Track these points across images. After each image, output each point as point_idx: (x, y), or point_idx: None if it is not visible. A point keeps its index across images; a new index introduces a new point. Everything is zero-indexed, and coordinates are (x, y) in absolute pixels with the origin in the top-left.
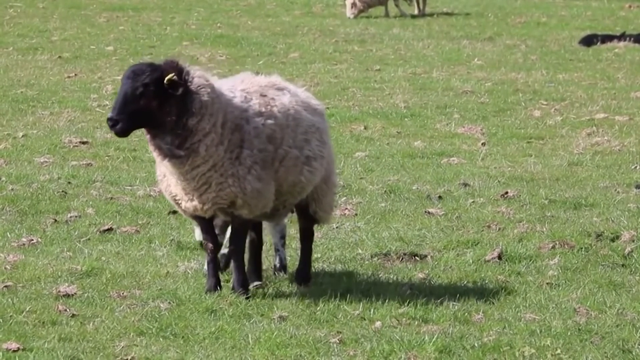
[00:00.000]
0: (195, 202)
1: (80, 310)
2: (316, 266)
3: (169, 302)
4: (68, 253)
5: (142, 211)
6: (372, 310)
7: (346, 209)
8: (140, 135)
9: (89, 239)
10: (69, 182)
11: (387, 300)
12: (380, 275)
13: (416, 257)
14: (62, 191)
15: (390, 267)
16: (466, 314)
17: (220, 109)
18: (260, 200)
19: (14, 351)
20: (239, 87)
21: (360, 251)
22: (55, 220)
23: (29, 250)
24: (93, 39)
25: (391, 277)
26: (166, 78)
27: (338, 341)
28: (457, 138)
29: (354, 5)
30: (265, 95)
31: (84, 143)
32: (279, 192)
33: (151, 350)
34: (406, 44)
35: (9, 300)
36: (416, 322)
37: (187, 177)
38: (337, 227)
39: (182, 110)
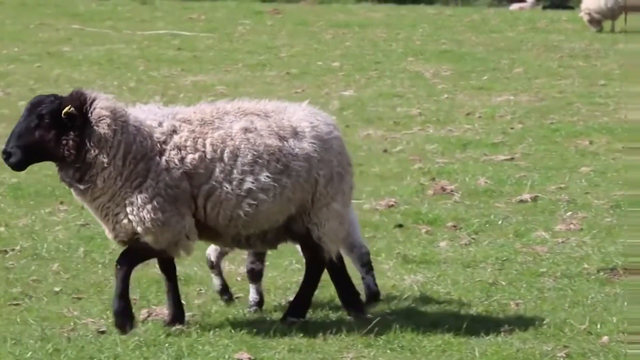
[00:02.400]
0: (107, 232)
1: (307, 322)
2: (541, 280)
3: (396, 315)
4: (297, 265)
5: (368, 224)
6: (598, 325)
7: (571, 223)
8: (367, 150)
9: None
10: None
11: (614, 315)
12: (606, 290)
13: None
14: None
15: (617, 281)
16: None
17: (123, 141)
18: (166, 231)
19: None
20: (177, 116)
21: (586, 266)
22: None
23: None
24: (320, 55)
25: (618, 291)
26: (63, 111)
27: (565, 355)
28: None
29: (591, 20)
30: (204, 124)
31: None
32: (220, 226)
33: None
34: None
35: (240, 311)
36: None
37: (91, 207)
38: (562, 242)
39: (80, 143)
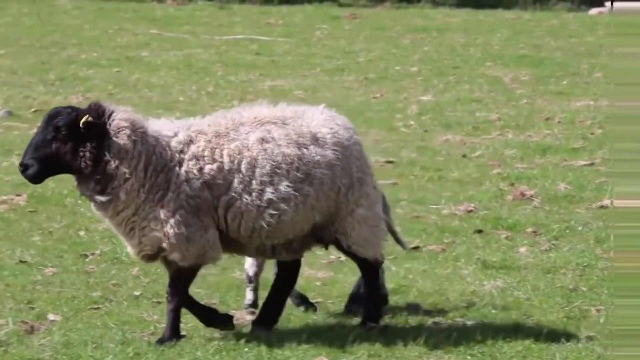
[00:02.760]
0: (130, 248)
1: (387, 327)
2: None
3: (475, 321)
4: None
5: (447, 230)
6: None
7: None
8: (446, 155)
9: (395, 257)
10: None
11: None
12: None
13: None
14: None
15: None
16: None
17: (144, 152)
18: (191, 246)
19: None
20: (191, 128)
21: None
22: None
23: (337, 267)
24: (398, 59)
25: None
26: (82, 120)
27: None
28: None
29: None
30: (219, 136)
31: (389, 162)
32: (243, 238)
33: None
34: None
35: (319, 316)
36: None
37: (114, 222)
38: None
39: (98, 155)
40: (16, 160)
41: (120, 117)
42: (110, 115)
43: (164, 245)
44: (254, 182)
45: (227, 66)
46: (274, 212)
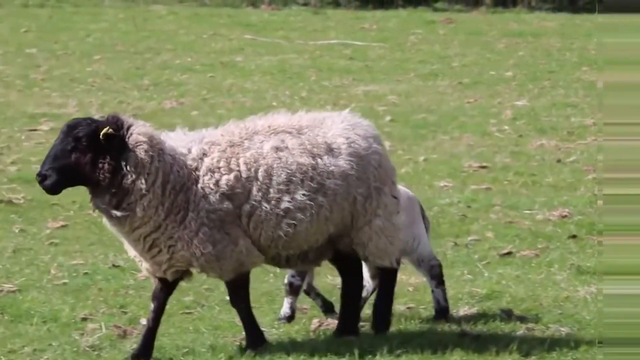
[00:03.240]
0: (150, 265)
1: (479, 335)
2: None
3: (570, 327)
4: (468, 276)
5: (541, 235)
6: None
7: None
8: (540, 160)
9: (488, 262)
10: (469, 206)
11: None
12: None
13: None
14: (462, 215)
15: None
16: None
17: (161, 169)
18: (224, 263)
19: None
20: (204, 140)
21: None
22: (456, 244)
23: None
24: (492, 64)
25: None
26: (102, 132)
27: None
28: None
29: None
30: (233, 146)
31: (483, 167)
32: (262, 247)
33: None
34: None
35: (411, 321)
36: None
37: (130, 238)
38: None
39: (116, 167)
40: None
41: (138, 131)
42: (128, 128)
43: (195, 265)
44: (271, 190)
45: (321, 71)
46: (291, 222)
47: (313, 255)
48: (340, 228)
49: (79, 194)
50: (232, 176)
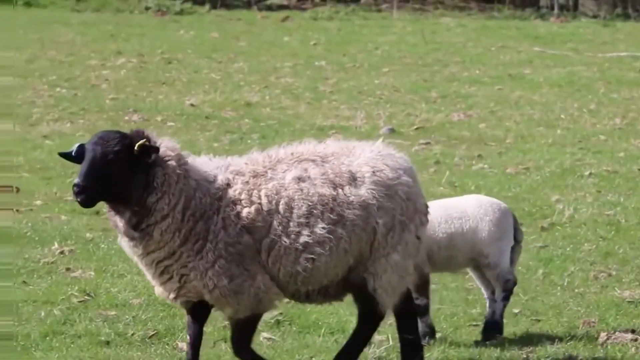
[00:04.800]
0: (161, 290)
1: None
2: None
3: None
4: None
5: None
6: None
7: None
8: None
9: None
10: None
11: None
12: None
13: None
14: None
15: None
16: None
17: (184, 193)
18: (241, 299)
19: None
20: (229, 168)
21: None
22: None
23: None
24: None
25: None
26: (138, 143)
27: None
28: None
29: None
30: (256, 176)
31: None
32: (281, 283)
33: None
34: None
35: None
36: None
37: (143, 262)
38: None
39: (147, 181)
40: None
41: (166, 145)
42: (156, 141)
43: (207, 297)
44: (291, 223)
45: (610, 83)
46: (310, 256)
47: (334, 290)
48: (358, 259)
49: None
50: (252, 209)
